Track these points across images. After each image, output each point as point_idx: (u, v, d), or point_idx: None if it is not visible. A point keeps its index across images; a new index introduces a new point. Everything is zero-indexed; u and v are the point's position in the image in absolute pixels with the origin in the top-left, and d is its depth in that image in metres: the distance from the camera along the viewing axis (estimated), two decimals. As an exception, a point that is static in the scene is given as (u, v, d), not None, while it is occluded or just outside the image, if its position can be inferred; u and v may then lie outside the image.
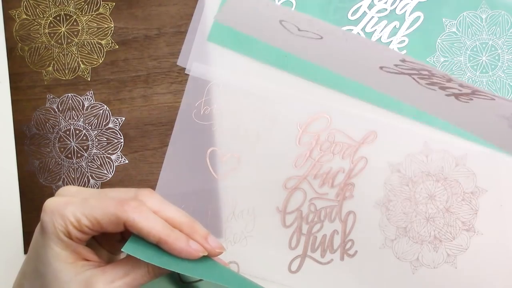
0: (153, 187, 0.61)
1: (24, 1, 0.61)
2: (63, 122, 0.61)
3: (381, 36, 0.60)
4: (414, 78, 0.50)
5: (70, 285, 0.42)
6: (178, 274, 0.46)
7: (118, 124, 0.61)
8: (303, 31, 0.50)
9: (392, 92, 0.56)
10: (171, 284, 0.47)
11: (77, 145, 0.61)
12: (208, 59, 0.61)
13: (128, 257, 0.43)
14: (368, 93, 0.60)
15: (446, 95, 0.50)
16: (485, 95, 0.48)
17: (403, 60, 0.49)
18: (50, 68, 0.61)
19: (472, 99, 0.49)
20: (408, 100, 0.57)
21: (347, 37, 0.51)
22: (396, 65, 0.49)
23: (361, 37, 0.58)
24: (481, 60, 0.60)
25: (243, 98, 0.61)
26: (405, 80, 0.51)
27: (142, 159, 0.61)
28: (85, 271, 0.42)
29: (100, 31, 0.61)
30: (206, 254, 0.42)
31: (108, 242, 0.47)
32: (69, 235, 0.42)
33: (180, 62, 0.61)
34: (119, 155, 0.61)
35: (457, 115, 0.54)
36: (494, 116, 0.50)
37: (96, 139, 0.61)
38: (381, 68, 0.51)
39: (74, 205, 0.42)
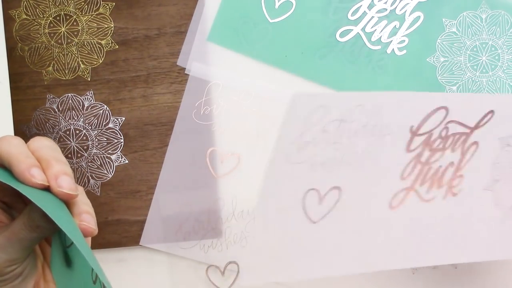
0: (153, 187, 0.61)
1: (24, 1, 0.61)
2: (63, 122, 0.61)
3: (381, 36, 0.60)
4: None
5: None
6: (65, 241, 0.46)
7: (118, 124, 0.61)
8: None
9: None
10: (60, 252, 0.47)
11: (77, 145, 0.61)
12: (208, 59, 0.61)
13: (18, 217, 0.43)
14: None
15: None
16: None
17: None
18: (50, 68, 0.61)
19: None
20: None
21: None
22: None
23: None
24: (481, 60, 0.60)
25: (243, 98, 0.61)
26: None
27: (142, 159, 0.61)
28: None
29: (100, 31, 0.61)
30: (46, 185, 0.41)
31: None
32: None
33: (180, 62, 0.61)
34: (119, 155, 0.61)
35: None
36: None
37: (96, 139, 0.61)
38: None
39: None
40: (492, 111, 0.51)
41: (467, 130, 0.51)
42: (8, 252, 0.42)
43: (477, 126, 0.51)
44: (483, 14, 0.60)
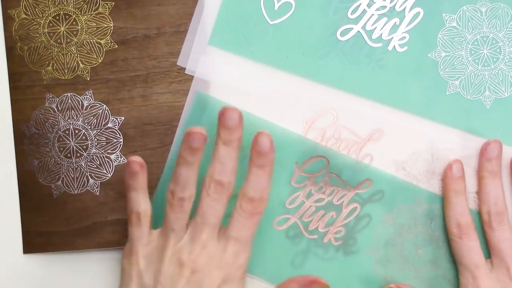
0: (153, 187, 0.60)
1: (23, 1, 0.61)
2: (62, 122, 0.60)
3: (381, 34, 0.60)
4: None
5: None
6: None
7: (117, 123, 0.60)
8: None
9: None
10: None
11: (76, 144, 0.60)
12: (208, 60, 0.61)
13: None
14: (373, 91, 0.60)
15: None
16: None
17: None
18: (50, 68, 0.61)
19: None
20: None
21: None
22: None
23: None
24: (483, 54, 0.59)
25: (244, 99, 0.60)
26: None
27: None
28: None
29: (99, 31, 0.61)
30: None
31: None
32: None
33: (180, 62, 0.61)
34: (118, 155, 0.60)
35: None
36: None
37: (96, 139, 0.60)
38: None
39: None
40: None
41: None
42: None
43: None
44: (483, 8, 0.59)
